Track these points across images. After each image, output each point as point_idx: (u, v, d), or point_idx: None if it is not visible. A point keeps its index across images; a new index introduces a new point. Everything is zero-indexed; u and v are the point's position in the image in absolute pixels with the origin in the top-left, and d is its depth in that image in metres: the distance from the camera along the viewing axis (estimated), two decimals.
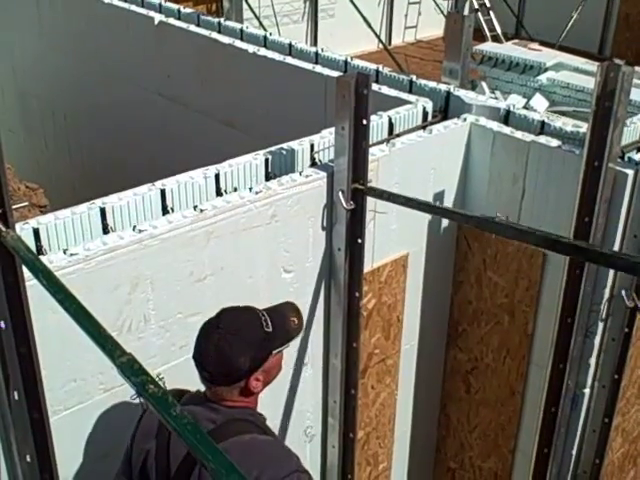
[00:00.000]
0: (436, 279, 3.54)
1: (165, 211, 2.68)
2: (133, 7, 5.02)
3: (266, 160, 2.94)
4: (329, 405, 3.22)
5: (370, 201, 2.86)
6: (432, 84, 3.66)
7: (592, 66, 8.23)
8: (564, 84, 8.23)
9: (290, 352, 2.29)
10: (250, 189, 2.73)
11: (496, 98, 7.08)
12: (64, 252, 2.33)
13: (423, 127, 3.35)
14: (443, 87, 3.62)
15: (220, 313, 2.21)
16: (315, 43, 11.51)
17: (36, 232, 2.41)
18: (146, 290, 2.51)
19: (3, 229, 1.93)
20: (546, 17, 12.10)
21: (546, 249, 2.67)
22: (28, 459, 2.18)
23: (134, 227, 2.47)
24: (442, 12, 13.00)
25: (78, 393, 2.46)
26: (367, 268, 3.07)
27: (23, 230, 2.37)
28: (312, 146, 3.06)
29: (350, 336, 3.03)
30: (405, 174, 3.12)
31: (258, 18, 9.88)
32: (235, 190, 2.83)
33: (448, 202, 3.40)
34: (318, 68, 3.99)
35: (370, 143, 2.80)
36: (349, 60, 4.06)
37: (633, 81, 2.77)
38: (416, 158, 3.18)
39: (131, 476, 2.28)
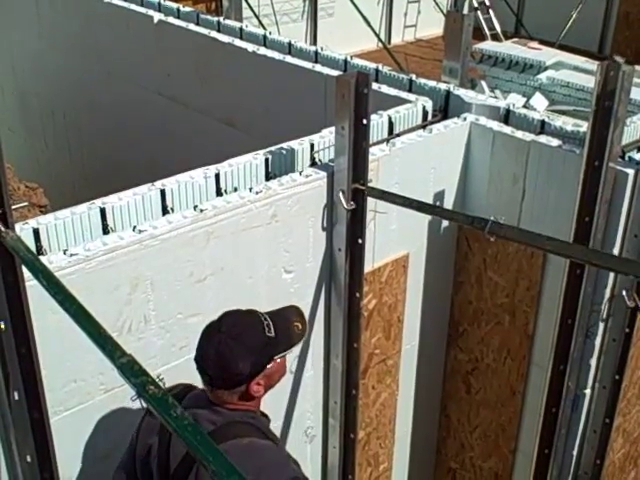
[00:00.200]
0: (436, 279, 3.53)
1: (165, 211, 2.67)
2: (132, 6, 5.01)
3: (266, 160, 2.93)
4: (330, 405, 3.21)
5: (370, 201, 2.85)
6: (432, 83, 3.65)
7: (592, 65, 8.22)
8: (564, 83, 8.23)
9: (291, 352, 2.27)
10: (250, 189, 2.72)
11: (496, 97, 7.08)
12: (64, 252, 2.32)
13: (423, 126, 3.35)
14: (443, 86, 3.61)
15: (222, 316, 2.19)
16: (314, 42, 11.50)
17: (36, 232, 2.41)
18: (146, 290, 2.50)
19: (3, 229, 1.93)
20: (546, 16, 12.09)
21: (550, 253, 2.66)
22: (28, 459, 2.18)
23: (134, 227, 2.47)
24: (442, 11, 12.99)
25: (78, 393, 2.45)
26: (367, 268, 3.07)
27: (23, 230, 2.37)
28: (312, 146, 3.05)
29: (351, 336, 3.02)
30: (405, 174, 3.12)
31: (257, 17, 9.87)
32: (235, 190, 2.82)
33: (448, 202, 3.39)
34: (318, 67, 3.98)
35: (370, 143, 2.80)
36: (349, 59, 4.05)
37: (633, 80, 2.76)
38: (416, 158, 3.17)
39: (135, 467, 2.29)
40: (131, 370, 1.57)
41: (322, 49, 4.20)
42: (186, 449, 1.48)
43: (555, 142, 3.11)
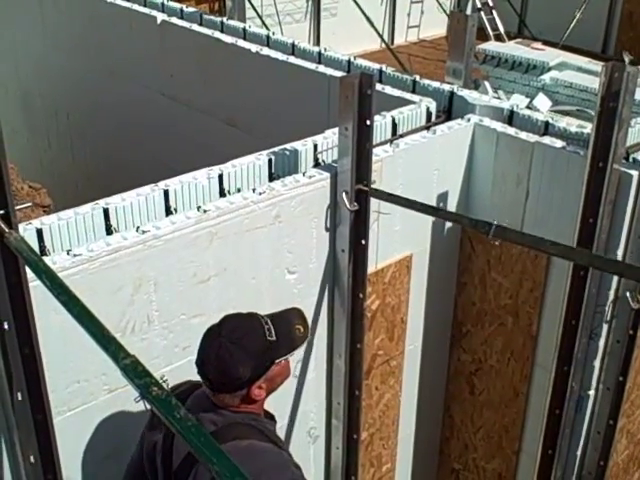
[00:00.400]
0: (440, 280, 3.53)
1: (168, 212, 2.67)
2: (136, 6, 5.01)
3: (269, 160, 2.93)
4: (333, 406, 3.21)
5: (374, 202, 2.85)
6: (436, 84, 3.65)
7: (595, 66, 8.22)
8: (567, 84, 8.22)
9: (296, 351, 2.27)
10: (253, 190, 2.72)
11: (499, 98, 7.07)
12: (67, 253, 2.32)
13: (427, 127, 3.34)
14: (447, 87, 3.61)
15: (222, 320, 2.18)
16: (318, 42, 11.50)
17: (39, 233, 2.40)
18: (149, 291, 2.50)
19: (6, 230, 1.93)
20: (549, 16, 12.08)
21: (554, 256, 2.66)
22: (32, 460, 2.18)
23: (137, 228, 2.46)
24: (445, 11, 12.99)
25: (82, 394, 2.45)
26: (371, 269, 3.06)
27: (26, 231, 2.36)
28: (315, 146, 3.05)
29: (354, 337, 3.02)
30: (409, 175, 3.11)
31: (260, 17, 9.87)
32: (238, 191, 2.82)
33: (452, 203, 3.39)
34: (321, 68, 3.98)
35: (373, 144, 2.79)
36: (352, 60, 4.05)
37: (638, 81, 2.75)
38: (420, 159, 3.17)
39: (143, 463, 2.30)
40: (135, 371, 1.57)
41: (325, 50, 4.20)
42: (188, 448, 1.48)
43: (559, 143, 3.11)
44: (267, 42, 4.43)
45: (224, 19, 4.80)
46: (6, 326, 2.02)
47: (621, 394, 3.21)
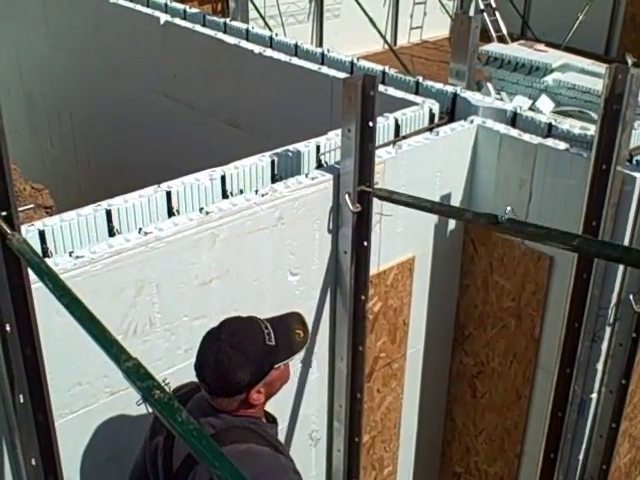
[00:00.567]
0: (442, 282, 3.52)
1: (171, 213, 2.67)
2: (139, 7, 5.01)
3: (272, 162, 2.92)
4: (334, 409, 3.20)
5: (376, 203, 2.85)
6: (439, 85, 3.64)
7: (598, 67, 8.21)
8: (570, 85, 8.22)
9: (296, 355, 2.26)
10: (256, 191, 2.72)
11: (502, 99, 7.07)
12: (70, 254, 2.32)
13: (430, 129, 3.33)
14: (450, 89, 3.60)
15: (222, 324, 2.18)
16: (320, 43, 11.50)
17: (42, 234, 2.40)
18: (151, 293, 2.49)
19: (9, 231, 1.93)
20: (552, 18, 12.07)
21: (555, 246, 2.64)
22: (33, 462, 2.18)
23: (140, 229, 2.46)
24: (447, 12, 12.99)
25: (84, 396, 2.45)
26: (373, 271, 3.06)
27: (29, 232, 2.36)
28: (318, 148, 3.05)
29: (356, 340, 3.02)
30: (411, 176, 3.11)
31: (263, 18, 9.88)
32: (241, 192, 2.82)
33: (454, 204, 3.37)
34: (324, 69, 3.97)
35: (376, 145, 2.79)
36: (355, 61, 4.04)
37: None
38: (423, 160, 3.16)
39: (146, 465, 2.30)
40: (137, 374, 1.56)
41: (328, 51, 4.20)
42: (188, 449, 1.48)
43: (562, 145, 3.10)
44: (270, 43, 4.43)
45: (227, 20, 4.80)
46: (8, 328, 2.02)
47: (624, 397, 3.21)
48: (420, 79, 3.73)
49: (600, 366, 3.21)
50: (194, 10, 5.09)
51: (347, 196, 2.78)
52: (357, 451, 3.21)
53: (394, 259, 3.23)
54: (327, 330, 3.09)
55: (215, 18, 4.87)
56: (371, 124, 2.67)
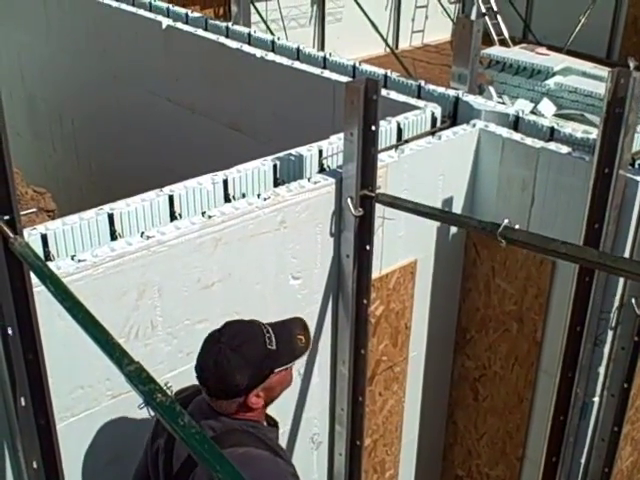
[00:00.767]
0: (444, 286, 3.52)
1: (173, 217, 2.66)
2: (141, 11, 5.02)
3: (274, 166, 2.93)
4: (336, 412, 3.20)
5: (378, 207, 2.85)
6: (441, 89, 3.64)
7: (600, 71, 8.23)
8: (572, 89, 8.23)
9: (297, 361, 2.26)
10: (258, 195, 2.72)
11: (503, 103, 7.08)
12: (72, 258, 2.32)
13: (432, 133, 3.34)
14: (452, 92, 3.60)
15: (223, 326, 2.17)
16: (322, 47, 11.52)
17: (44, 238, 2.40)
18: (153, 296, 2.49)
19: (11, 235, 1.93)
20: (554, 21, 12.09)
21: (558, 259, 2.65)
22: (35, 466, 2.18)
23: (142, 233, 2.46)
24: (449, 16, 13.01)
25: (85, 400, 2.45)
26: (375, 275, 3.06)
27: (31, 236, 2.36)
28: (320, 152, 3.05)
29: (358, 343, 3.01)
30: (414, 180, 3.11)
31: (265, 22, 9.89)
32: (243, 196, 2.82)
33: (456, 208, 3.38)
34: (326, 73, 3.97)
35: (379, 149, 2.79)
36: (357, 65, 4.04)
37: None
38: (425, 164, 3.16)
39: (148, 468, 2.30)
40: (139, 378, 1.56)
41: (330, 55, 4.20)
42: (188, 451, 1.48)
43: (565, 149, 3.10)
44: (272, 47, 4.43)
45: (229, 24, 4.81)
46: (10, 331, 2.02)
47: (626, 401, 3.20)
48: (422, 83, 3.73)
49: (602, 369, 3.20)
50: (196, 14, 5.09)
51: (349, 200, 2.78)
52: (359, 454, 3.21)
53: (396, 263, 3.23)
54: (329, 333, 3.09)
55: (217, 22, 4.88)
56: (373, 128, 2.67)
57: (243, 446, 2.09)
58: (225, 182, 2.79)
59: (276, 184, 2.92)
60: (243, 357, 2.09)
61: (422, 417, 3.78)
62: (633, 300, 3.01)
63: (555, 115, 8.06)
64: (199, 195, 2.72)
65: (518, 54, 8.98)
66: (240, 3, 5.94)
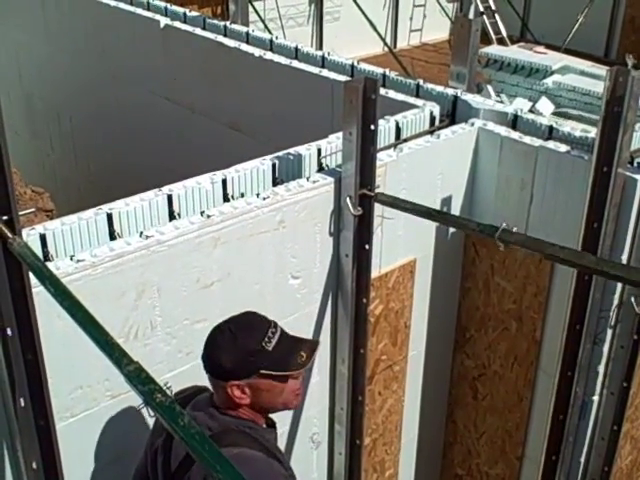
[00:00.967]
0: (443, 285, 3.52)
1: (172, 217, 2.66)
2: (139, 10, 5.01)
3: (273, 165, 2.92)
4: (336, 412, 3.20)
5: (377, 206, 2.84)
6: (439, 88, 3.64)
7: (598, 69, 8.23)
8: (570, 87, 8.23)
9: (285, 382, 2.21)
10: (257, 195, 2.72)
11: (502, 101, 7.07)
12: (71, 258, 2.32)
13: (430, 132, 3.33)
14: (450, 91, 3.60)
15: (241, 313, 2.21)
16: (320, 46, 11.51)
17: (43, 238, 2.40)
18: (153, 296, 2.49)
19: (10, 236, 1.93)
20: (552, 20, 12.09)
21: (557, 262, 2.65)
22: (34, 466, 2.17)
23: (141, 233, 2.46)
24: (447, 15, 13.01)
25: (85, 400, 2.45)
26: (374, 274, 3.06)
27: (30, 236, 2.36)
28: (319, 151, 3.04)
29: (357, 342, 3.01)
30: (413, 179, 3.10)
31: (263, 21, 9.89)
32: (242, 196, 2.81)
33: (455, 207, 3.38)
34: (325, 72, 3.97)
35: (377, 148, 2.79)
36: (356, 64, 4.04)
37: None
38: (424, 163, 3.16)
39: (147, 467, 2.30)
40: (138, 378, 1.56)
41: (329, 54, 4.19)
42: (186, 450, 1.48)
43: (563, 148, 3.10)
44: (270, 46, 4.43)
45: (227, 23, 4.80)
46: (9, 332, 2.01)
47: (625, 399, 3.20)
48: (420, 82, 3.73)
49: (601, 368, 3.20)
50: (194, 13, 5.09)
51: (348, 199, 2.78)
52: (358, 454, 3.21)
53: (395, 262, 3.23)
54: (328, 333, 3.09)
55: (215, 21, 4.87)
56: (372, 127, 2.67)
57: (238, 446, 2.08)
58: (224, 182, 2.78)
59: (275, 183, 2.92)
60: (235, 341, 2.11)
61: (422, 416, 3.78)
62: (632, 299, 3.01)
63: (553, 114, 8.06)
64: (198, 195, 2.72)
65: (516, 53, 8.98)
66: (238, 2, 5.94)
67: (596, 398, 3.27)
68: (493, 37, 10.84)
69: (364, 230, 2.83)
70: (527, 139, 3.20)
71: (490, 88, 8.61)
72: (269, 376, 2.13)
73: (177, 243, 2.48)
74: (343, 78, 3.76)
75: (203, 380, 2.24)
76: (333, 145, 3.05)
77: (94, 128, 5.77)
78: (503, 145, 3.25)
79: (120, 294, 2.41)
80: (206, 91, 4.70)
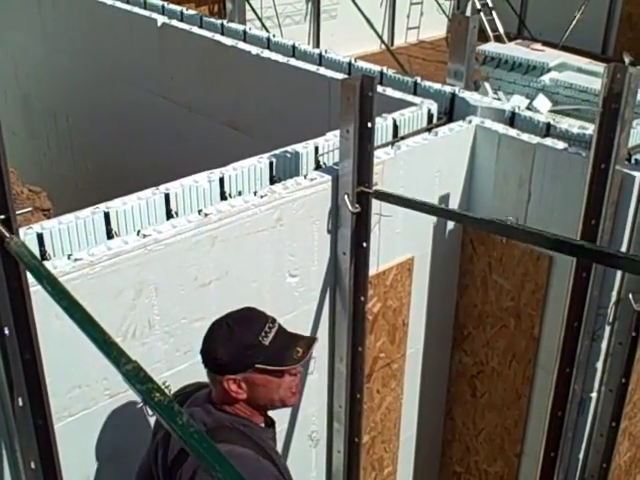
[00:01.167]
0: (441, 282, 3.52)
1: (169, 215, 2.66)
2: (136, 9, 5.00)
3: (270, 163, 2.92)
4: (334, 410, 3.20)
5: (375, 204, 2.84)
6: (437, 86, 3.64)
7: (595, 66, 8.22)
8: (567, 84, 8.22)
9: (282, 377, 2.21)
10: (255, 193, 2.71)
11: (499, 99, 7.07)
12: (68, 257, 2.31)
13: (428, 129, 3.33)
14: (448, 89, 3.60)
15: (243, 307, 2.23)
16: (317, 44, 11.49)
17: (40, 237, 2.40)
18: (150, 295, 2.49)
19: (7, 235, 1.92)
20: (549, 17, 12.08)
21: (554, 251, 2.66)
22: (33, 466, 2.17)
23: (138, 232, 2.45)
24: (444, 12, 13.00)
25: (83, 399, 2.44)
26: (372, 272, 3.05)
27: (27, 235, 2.36)
28: (317, 149, 3.04)
29: (355, 340, 3.01)
30: (410, 177, 3.10)
31: (260, 19, 9.88)
32: (240, 194, 2.81)
33: (453, 205, 3.38)
34: (322, 70, 3.97)
35: (375, 146, 2.78)
36: (353, 62, 4.04)
37: None
38: (421, 161, 3.16)
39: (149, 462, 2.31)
40: (136, 377, 1.56)
41: (326, 52, 4.19)
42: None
43: (561, 145, 3.10)
44: (267, 44, 4.42)
45: (224, 21, 4.79)
46: (7, 331, 2.01)
47: (623, 396, 3.21)
48: (418, 79, 3.73)
49: (600, 365, 3.21)
50: (191, 12, 5.08)
51: (346, 197, 2.78)
52: (357, 452, 3.21)
53: (393, 260, 3.23)
54: (326, 331, 3.09)
55: (212, 20, 4.87)
56: (370, 125, 2.67)
57: (230, 443, 2.08)
58: (221, 180, 2.78)
59: (272, 181, 2.91)
60: (232, 334, 2.12)
61: (420, 414, 3.78)
62: (630, 295, 3.01)
63: (550, 111, 8.05)
64: (195, 193, 2.72)
65: (513, 50, 8.97)
66: (235, 0, 5.92)
67: (594, 395, 3.27)
68: (490, 34, 10.84)
69: (362, 228, 2.83)
70: (525, 136, 3.20)
71: (487, 86, 8.60)
72: (265, 371, 2.13)
73: (175, 242, 2.48)
74: (340, 76, 3.76)
75: (201, 379, 2.24)
76: (330, 143, 3.05)
77: (91, 127, 5.76)
78: (501, 142, 3.25)
79: (118, 293, 2.41)
80: (203, 89, 4.69)
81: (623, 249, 2.96)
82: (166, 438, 2.20)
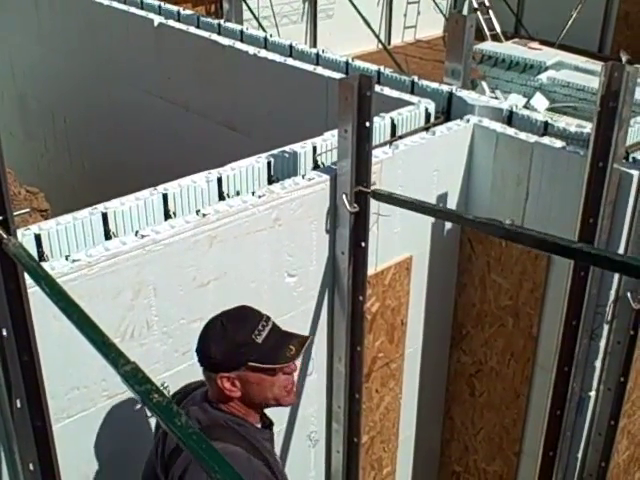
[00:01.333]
0: (440, 282, 3.52)
1: (167, 216, 2.65)
2: (132, 9, 5.00)
3: (268, 163, 2.92)
4: (333, 410, 3.20)
5: (373, 204, 2.84)
6: (434, 85, 3.64)
7: (592, 65, 8.22)
8: (564, 83, 8.22)
9: (274, 375, 2.21)
10: (253, 193, 2.71)
11: (496, 98, 7.07)
12: (66, 258, 2.31)
13: (426, 129, 3.33)
14: (445, 88, 3.59)
15: (238, 306, 2.23)
16: (314, 44, 11.48)
17: (38, 238, 2.39)
18: (149, 296, 2.48)
19: (5, 236, 1.92)
20: (545, 16, 12.07)
21: (553, 254, 2.66)
22: (31, 467, 2.16)
23: (136, 232, 2.45)
24: (441, 11, 12.99)
25: (81, 400, 2.44)
26: (371, 271, 3.05)
27: (25, 236, 2.35)
28: (314, 149, 3.04)
29: (354, 340, 3.01)
30: (408, 176, 3.10)
31: (257, 19, 9.86)
32: (238, 194, 2.81)
33: (451, 204, 3.38)
34: (319, 69, 3.96)
35: (373, 145, 2.78)
36: (350, 61, 4.03)
37: (637, 80, 2.75)
38: (419, 160, 3.16)
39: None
40: (135, 378, 1.55)
41: (323, 51, 4.19)
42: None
43: (559, 143, 3.10)
44: (265, 44, 4.42)
45: (221, 21, 4.79)
46: (5, 333, 2.00)
47: (622, 395, 3.21)
48: (415, 79, 3.72)
49: (598, 364, 3.21)
50: (188, 12, 5.07)
51: (344, 197, 2.77)
52: (356, 451, 3.20)
53: (392, 259, 3.23)
54: (325, 331, 3.08)
55: (209, 19, 4.86)
56: (367, 124, 2.67)
57: (222, 442, 2.08)
58: (219, 180, 2.78)
59: (270, 181, 2.91)
60: (225, 332, 2.13)
61: (419, 413, 3.77)
62: (629, 294, 3.01)
63: (548, 110, 8.05)
64: (193, 193, 2.71)
65: (510, 49, 8.97)
66: (232, 0, 5.92)
67: (593, 393, 3.27)
68: (487, 33, 10.83)
69: (360, 227, 2.83)
70: (522, 135, 3.20)
71: (485, 84, 8.60)
72: (258, 369, 2.14)
73: (173, 242, 2.48)
74: (338, 75, 3.76)
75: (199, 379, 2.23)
76: (328, 142, 3.05)
77: (88, 128, 5.75)
78: (499, 141, 3.25)
79: (116, 294, 2.40)
80: (200, 89, 4.68)
81: (621, 247, 2.97)
82: (164, 435, 2.20)
